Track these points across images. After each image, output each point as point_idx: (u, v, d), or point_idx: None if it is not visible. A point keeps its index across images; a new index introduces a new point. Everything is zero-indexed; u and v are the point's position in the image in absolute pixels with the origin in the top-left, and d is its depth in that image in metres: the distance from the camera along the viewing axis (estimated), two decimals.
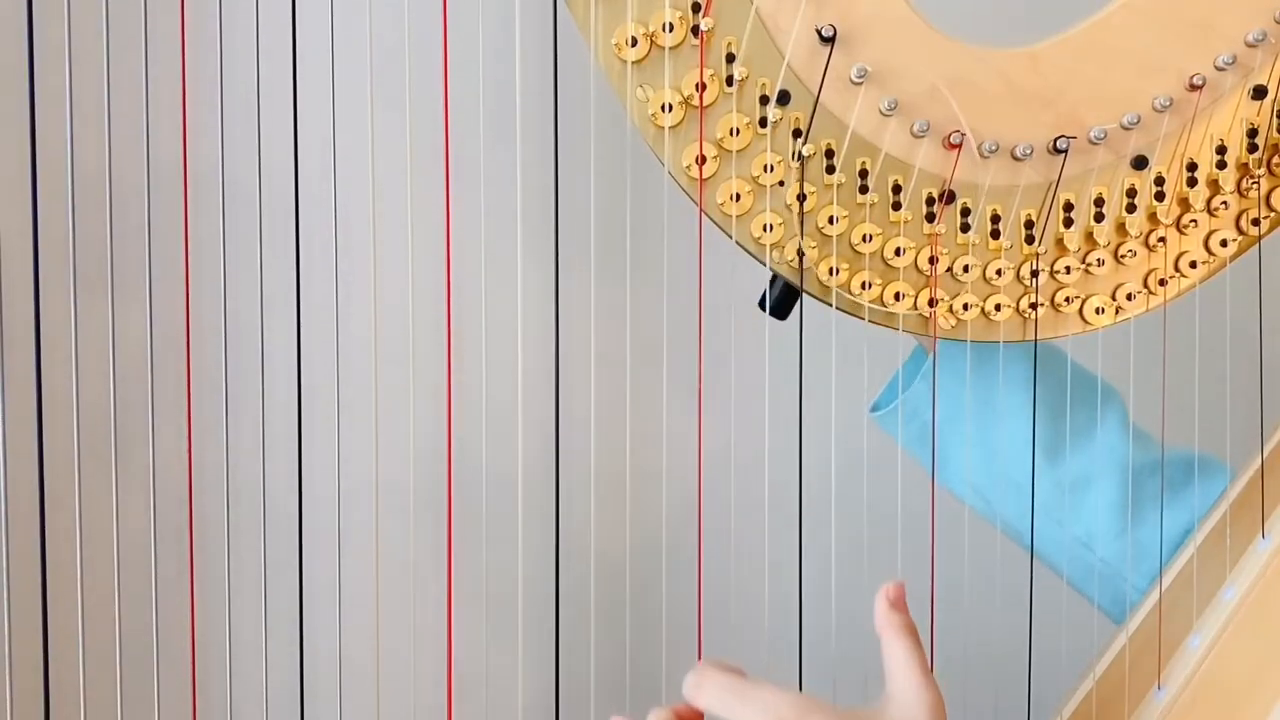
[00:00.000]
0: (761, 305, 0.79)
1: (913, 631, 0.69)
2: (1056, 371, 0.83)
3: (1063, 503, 0.83)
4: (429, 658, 0.86)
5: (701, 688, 0.67)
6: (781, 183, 0.73)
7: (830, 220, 0.74)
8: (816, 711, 0.65)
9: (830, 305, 0.76)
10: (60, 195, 0.67)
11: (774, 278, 0.78)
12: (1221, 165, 0.76)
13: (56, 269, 0.68)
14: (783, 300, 0.79)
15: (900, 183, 0.74)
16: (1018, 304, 0.77)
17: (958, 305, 0.77)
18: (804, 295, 0.77)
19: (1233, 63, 0.74)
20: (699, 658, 0.70)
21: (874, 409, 0.87)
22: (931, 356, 0.81)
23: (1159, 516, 0.82)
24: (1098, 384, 0.84)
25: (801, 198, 0.73)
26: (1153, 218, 0.77)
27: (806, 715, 0.64)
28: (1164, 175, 0.76)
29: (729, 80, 0.71)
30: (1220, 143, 0.76)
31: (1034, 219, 0.76)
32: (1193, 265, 0.78)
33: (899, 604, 0.70)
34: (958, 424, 0.83)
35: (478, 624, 0.86)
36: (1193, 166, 0.76)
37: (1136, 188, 0.76)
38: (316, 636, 0.79)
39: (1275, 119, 0.76)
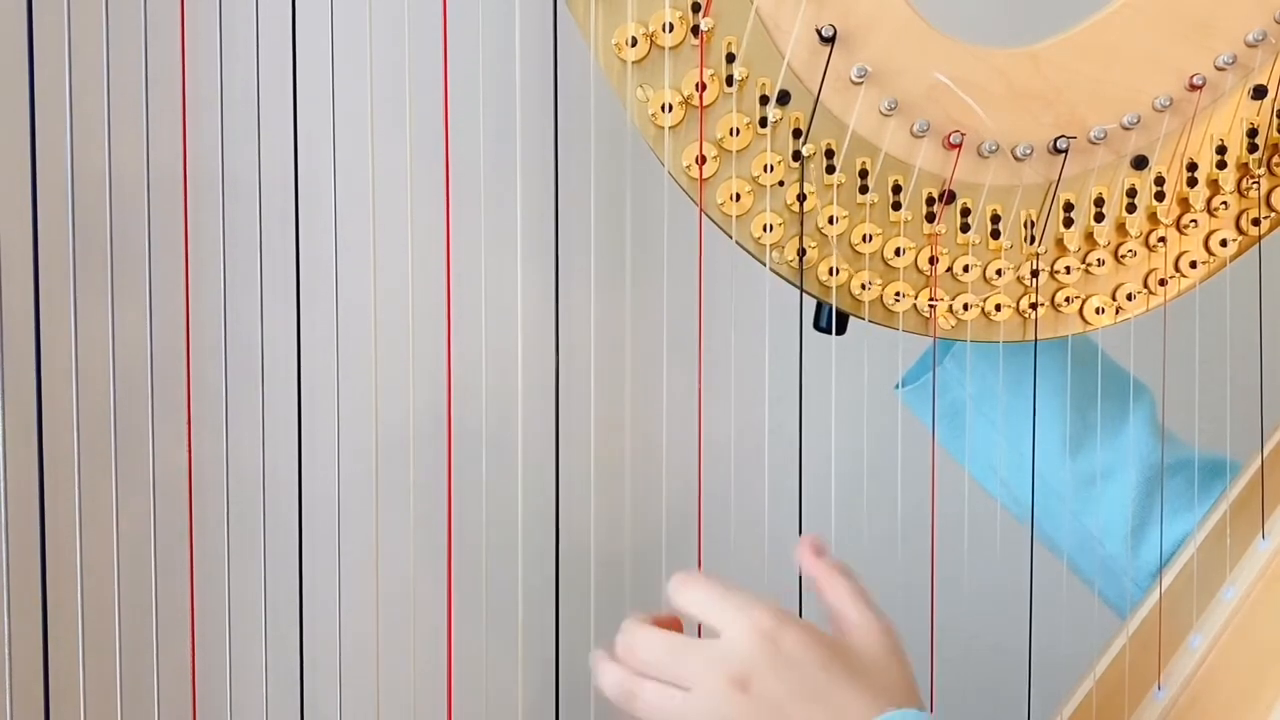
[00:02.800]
0: (817, 327, 0.79)
1: (847, 571, 0.69)
2: (1090, 364, 0.83)
3: (1081, 494, 0.83)
4: (428, 657, 0.86)
5: (685, 586, 0.67)
6: (781, 183, 0.73)
7: (830, 220, 0.74)
8: (792, 624, 0.64)
9: (831, 305, 0.76)
10: (60, 195, 0.67)
11: (819, 303, 0.78)
12: (1222, 165, 0.77)
13: (56, 269, 0.68)
14: (838, 317, 0.79)
15: (900, 183, 0.74)
16: (1018, 304, 0.77)
17: (958, 305, 0.77)
18: (803, 295, 0.77)
19: (1233, 62, 0.74)
20: None
21: (903, 384, 0.87)
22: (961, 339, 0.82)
23: (1174, 519, 0.82)
24: (1132, 382, 0.85)
25: (801, 198, 0.73)
26: (1153, 218, 0.77)
27: (783, 625, 0.64)
28: (1164, 175, 0.76)
29: (729, 80, 0.71)
30: (1220, 143, 0.76)
31: (1034, 219, 0.76)
32: (1193, 265, 0.78)
33: (823, 551, 0.70)
34: (985, 406, 0.83)
35: (477, 624, 0.85)
36: (1193, 166, 0.76)
37: (1136, 188, 0.76)
38: (316, 637, 0.79)
39: (1275, 119, 0.76)
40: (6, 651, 0.71)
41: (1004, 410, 0.83)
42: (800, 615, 0.68)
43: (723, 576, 0.67)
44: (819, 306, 0.79)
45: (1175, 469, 0.83)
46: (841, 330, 0.79)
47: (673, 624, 0.68)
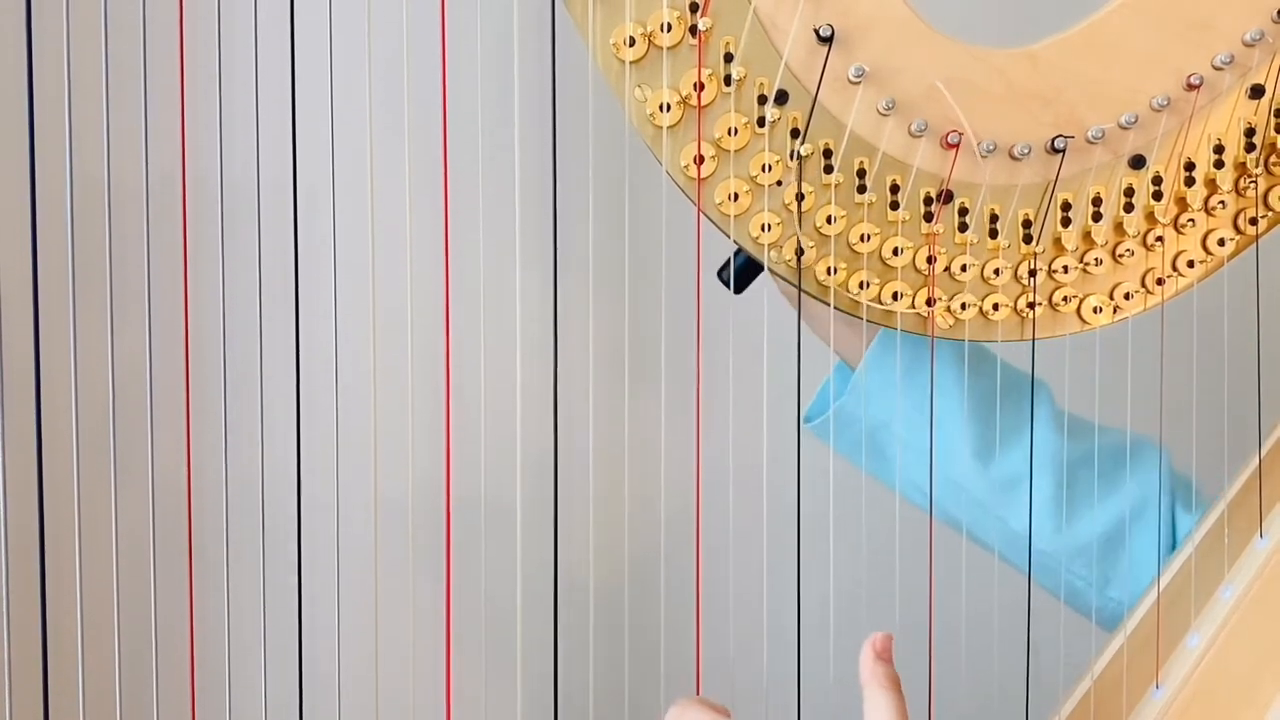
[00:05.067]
0: (721, 277, 0.80)
1: (897, 685, 0.68)
2: (986, 373, 0.84)
3: (1001, 500, 0.84)
4: (428, 656, 0.87)
5: (688, 709, 0.67)
6: (780, 182, 0.73)
7: (828, 220, 0.74)
8: None
9: (829, 305, 0.76)
10: (59, 199, 0.67)
11: (737, 251, 0.78)
12: (1219, 164, 0.77)
13: (56, 275, 0.68)
14: (743, 273, 0.80)
15: (898, 182, 0.74)
16: (1016, 303, 0.78)
17: (955, 305, 0.77)
18: (801, 293, 0.77)
19: (1230, 62, 0.74)
20: (697, 666, 0.70)
21: (807, 419, 0.87)
22: (858, 367, 0.83)
23: (1096, 505, 0.84)
24: (1028, 382, 0.85)
25: (800, 197, 0.73)
26: (1150, 217, 0.77)
27: None
28: (1162, 175, 0.76)
29: (727, 80, 0.71)
30: (1218, 142, 0.76)
31: (1032, 218, 0.76)
32: (1190, 264, 0.78)
33: (885, 655, 0.69)
34: (892, 429, 0.84)
35: (476, 636, 0.86)
36: (1190, 166, 0.76)
37: (1134, 187, 0.76)
38: (316, 642, 0.79)
39: (1273, 118, 0.76)
40: (6, 652, 0.71)
41: (913, 430, 0.84)
42: (799, 619, 0.68)
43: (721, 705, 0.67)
44: (735, 255, 0.79)
45: (1086, 459, 0.84)
46: (740, 289, 0.79)
47: None
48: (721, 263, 0.81)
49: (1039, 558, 0.84)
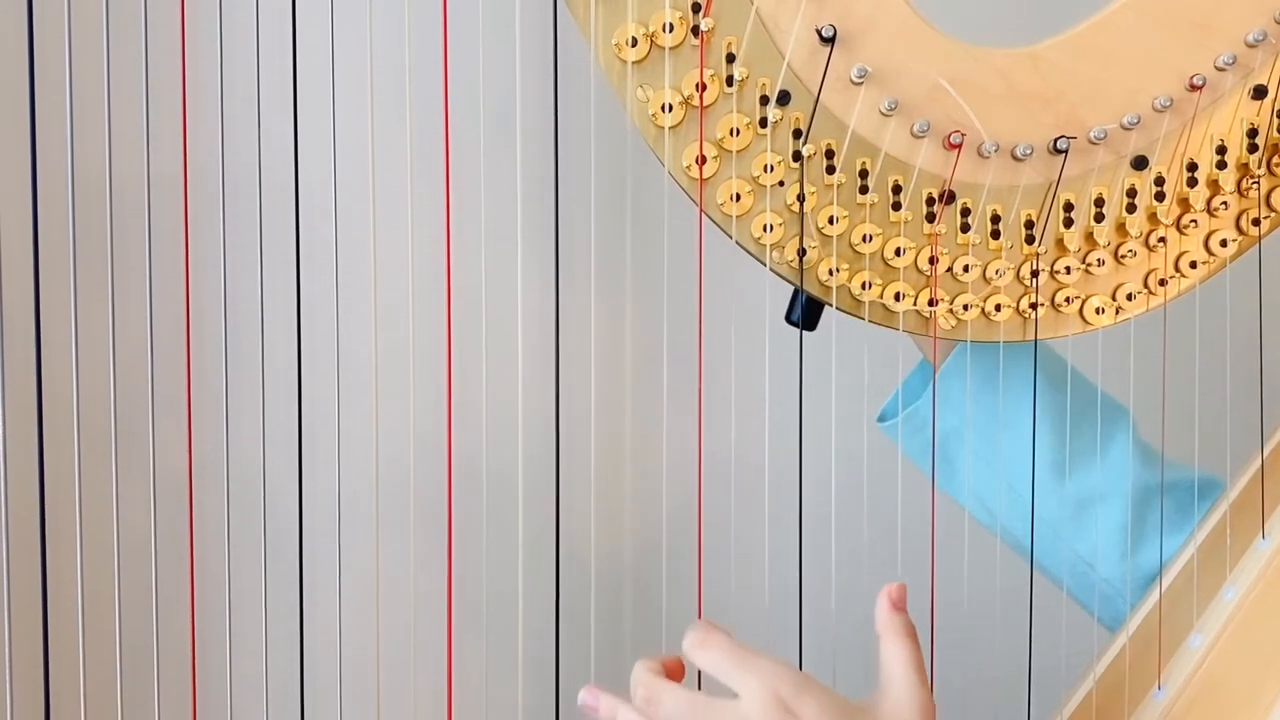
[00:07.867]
0: (789, 320, 0.79)
1: (913, 634, 0.69)
2: (1065, 389, 0.83)
3: (1068, 520, 0.83)
4: (428, 654, 0.87)
5: (705, 646, 0.67)
6: (782, 183, 0.73)
7: (830, 220, 0.74)
8: (812, 692, 0.64)
9: (830, 305, 0.76)
10: (60, 194, 0.67)
11: (795, 293, 0.78)
12: (1221, 165, 0.77)
13: (57, 268, 0.68)
14: (808, 312, 0.79)
15: (900, 183, 0.74)
16: (1018, 304, 0.77)
17: (958, 305, 0.77)
18: (803, 296, 0.77)
19: (1233, 63, 0.74)
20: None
21: (881, 419, 0.86)
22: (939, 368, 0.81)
23: (1161, 541, 0.81)
24: (1109, 402, 0.84)
25: (801, 198, 0.73)
26: (1153, 218, 0.77)
27: (802, 693, 0.64)
28: (1164, 175, 0.76)
29: (729, 80, 0.71)
30: (1220, 143, 0.76)
31: (1034, 219, 0.76)
32: (1193, 265, 0.78)
33: (900, 605, 0.70)
34: (964, 436, 0.83)
35: (478, 628, 0.85)
36: (1193, 167, 0.76)
37: (1136, 188, 0.76)
38: (316, 636, 0.79)
39: (1275, 119, 0.76)
40: (7, 651, 0.71)
41: (985, 441, 0.82)
42: (800, 618, 0.68)
43: (739, 640, 0.67)
44: (793, 300, 0.78)
45: (1159, 491, 0.83)
46: (812, 326, 0.79)
47: (676, 668, 0.69)
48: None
49: (1101, 586, 0.83)
